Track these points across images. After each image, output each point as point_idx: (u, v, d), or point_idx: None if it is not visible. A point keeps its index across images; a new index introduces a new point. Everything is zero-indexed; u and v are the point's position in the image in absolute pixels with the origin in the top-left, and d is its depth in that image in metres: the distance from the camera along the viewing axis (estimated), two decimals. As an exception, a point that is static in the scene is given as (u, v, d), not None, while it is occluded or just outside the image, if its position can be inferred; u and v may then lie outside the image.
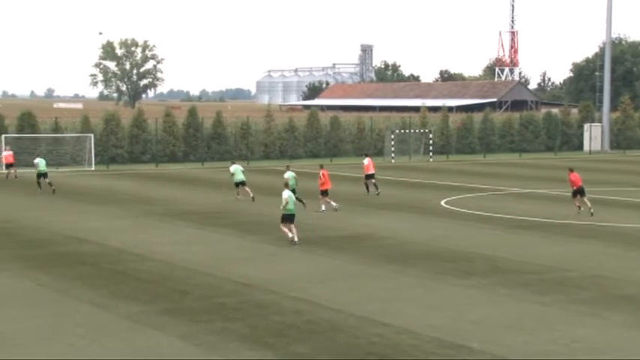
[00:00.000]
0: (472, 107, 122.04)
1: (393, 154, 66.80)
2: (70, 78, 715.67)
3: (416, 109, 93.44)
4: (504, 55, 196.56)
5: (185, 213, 34.53)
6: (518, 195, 41.91)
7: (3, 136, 57.46)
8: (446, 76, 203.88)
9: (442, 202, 38.24)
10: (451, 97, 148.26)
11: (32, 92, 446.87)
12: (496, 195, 41.41)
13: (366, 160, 42.06)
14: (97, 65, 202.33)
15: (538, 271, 22.73)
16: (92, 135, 59.87)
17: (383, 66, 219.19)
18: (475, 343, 15.93)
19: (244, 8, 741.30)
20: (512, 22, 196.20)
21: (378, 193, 40.28)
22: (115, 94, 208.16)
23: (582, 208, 33.81)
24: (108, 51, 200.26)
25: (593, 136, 78.30)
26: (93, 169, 57.60)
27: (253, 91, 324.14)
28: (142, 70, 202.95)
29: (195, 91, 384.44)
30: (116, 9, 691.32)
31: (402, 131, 70.16)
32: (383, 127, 73.10)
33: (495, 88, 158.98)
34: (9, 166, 50.18)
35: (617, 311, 18.47)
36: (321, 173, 35.60)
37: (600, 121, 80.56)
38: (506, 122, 78.54)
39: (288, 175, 34.51)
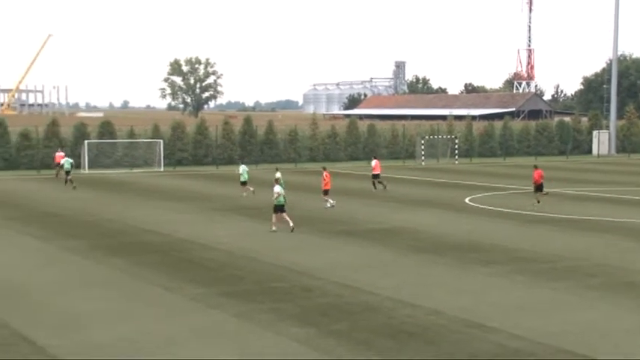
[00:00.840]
0: (493, 116, 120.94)
1: (423, 157, 66.43)
2: (143, 91, 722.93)
3: (443, 117, 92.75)
4: (522, 70, 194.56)
5: (242, 208, 34.68)
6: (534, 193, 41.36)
7: (86, 141, 58.14)
8: (470, 89, 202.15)
9: (467, 200, 37.95)
10: (474, 106, 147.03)
11: (110, 103, 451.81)
12: (514, 193, 40.98)
13: (374, 162, 42.95)
14: (166, 80, 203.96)
15: (551, 261, 22.47)
16: (161, 140, 60.36)
17: (414, 80, 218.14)
18: (495, 323, 15.80)
19: (293, 29, 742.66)
20: (529, 41, 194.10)
21: (384, 187, 41.11)
22: (181, 105, 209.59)
23: (540, 202, 34.41)
24: (175, 68, 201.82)
25: (601, 142, 77.30)
26: (162, 170, 58.05)
27: (300, 102, 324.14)
28: (204, 84, 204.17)
29: (250, 102, 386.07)
30: (183, 30, 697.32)
31: (431, 137, 69.74)
32: (414, 134, 72.69)
33: (514, 99, 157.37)
34: (58, 165, 51.13)
35: (625, 297, 18.20)
36: (324, 174, 35.17)
37: (608, 128, 79.57)
38: (524, 129, 77.76)
39: (278, 175, 34.43)
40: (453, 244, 25.35)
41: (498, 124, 78.09)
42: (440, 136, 70.48)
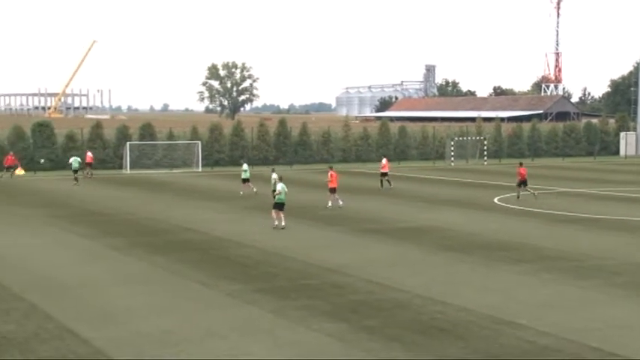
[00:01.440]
0: (521, 118, 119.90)
1: (452, 158, 66.06)
2: (182, 94, 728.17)
3: (472, 119, 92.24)
4: (550, 73, 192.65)
5: (276, 207, 34.69)
6: (561, 193, 41.00)
7: (128, 143, 58.80)
8: (498, 91, 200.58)
9: (495, 200, 37.67)
10: (503, 109, 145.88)
11: (151, 106, 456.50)
12: (542, 193, 40.58)
13: (384, 161, 43.75)
14: (204, 84, 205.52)
15: (578, 259, 22.23)
16: (199, 142, 60.83)
17: (444, 83, 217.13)
18: (524, 320, 15.69)
19: (327, 33, 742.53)
20: (557, 44, 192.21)
21: (390, 186, 42.04)
22: (219, 108, 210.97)
23: (519, 198, 36.31)
24: (213, 72, 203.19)
25: (629, 143, 76.32)
26: (200, 170, 58.48)
27: (333, 104, 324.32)
28: (240, 87, 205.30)
29: (284, 105, 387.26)
30: (221, 35, 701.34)
31: (461, 138, 69.34)
32: (444, 135, 72.35)
33: (542, 102, 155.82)
34: (88, 165, 52.38)
35: (649, 295, 17.94)
36: (329, 174, 34.80)
37: (634, 129, 78.49)
38: (552, 131, 76.96)
39: (275, 176, 34.54)
40: (481, 242, 25.18)
41: (527, 126, 77.41)
42: (469, 138, 70.03)
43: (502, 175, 52.60)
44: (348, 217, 31.13)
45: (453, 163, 65.11)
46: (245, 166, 41.25)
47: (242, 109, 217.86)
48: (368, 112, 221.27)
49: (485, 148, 68.24)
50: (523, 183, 37.08)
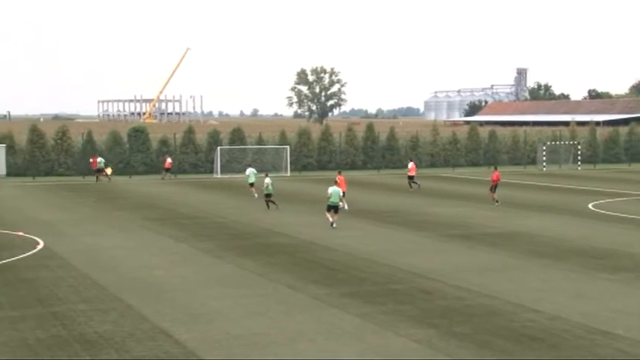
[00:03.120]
0: (618, 122, 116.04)
1: (544, 163, 64.55)
2: (271, 99, 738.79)
3: (565, 123, 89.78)
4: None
5: (363, 212, 34.77)
6: (660, 200, 39.44)
7: (218, 147, 59.99)
8: (593, 95, 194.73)
9: (590, 205, 36.57)
10: (598, 113, 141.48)
11: (241, 111, 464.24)
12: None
13: (410, 164, 45.77)
14: (293, 89, 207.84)
15: (679, 269, 21.30)
16: (288, 147, 61.45)
17: (536, 86, 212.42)
18: (620, 330, 15.15)
19: (415, 37, 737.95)
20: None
21: (418, 186, 44.28)
22: (307, 113, 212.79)
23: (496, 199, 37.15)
24: (301, 77, 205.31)
25: None
26: (288, 175, 59.07)
27: (421, 109, 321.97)
28: (329, 92, 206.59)
29: (372, 110, 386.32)
30: (309, 40, 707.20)
31: (553, 143, 67.68)
32: (535, 140, 70.83)
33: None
34: (167, 170, 54.15)
35: None
36: (337, 178, 34.43)
37: None
38: (650, 135, 74.13)
39: (268, 180, 35.79)
40: (575, 249, 24.48)
41: (624, 130, 74.84)
42: (562, 142, 68.27)
43: (597, 181, 51.05)
44: (435, 223, 30.83)
45: (544, 169, 63.61)
46: (249, 171, 42.43)
47: (330, 113, 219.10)
48: (457, 117, 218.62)
49: (579, 152, 66.38)
50: (494, 187, 37.79)
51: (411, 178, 45.17)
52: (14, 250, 24.74)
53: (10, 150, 57.58)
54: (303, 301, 17.91)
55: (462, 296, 18.17)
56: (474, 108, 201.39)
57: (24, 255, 23.89)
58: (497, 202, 36.94)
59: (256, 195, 40.50)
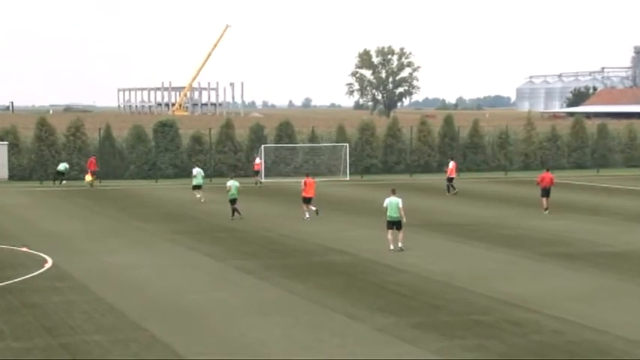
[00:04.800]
0: None
1: (667, 165, 63.40)
2: (327, 87, 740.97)
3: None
4: None
5: (439, 224, 34.66)
6: None
7: (262, 146, 60.16)
8: None
9: None
10: None
11: (290, 102, 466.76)
12: None
13: (451, 164, 46.80)
14: (354, 74, 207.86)
15: None
16: (347, 145, 61.35)
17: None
18: None
19: (503, 12, 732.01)
20: None
21: (455, 193, 45.57)
22: (370, 103, 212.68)
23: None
24: (365, 59, 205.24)
25: None
26: (347, 179, 59.01)
27: (513, 98, 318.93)
28: (397, 78, 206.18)
29: (451, 99, 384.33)
30: (373, 17, 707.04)
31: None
32: (658, 136, 69.59)
33: None
34: (257, 173, 54.58)
35: None
36: (303, 181, 36.58)
37: None
38: None
39: (230, 183, 36.45)
40: None
41: None
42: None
43: None
44: (530, 238, 30.58)
45: (668, 172, 62.41)
46: (195, 171, 43.82)
47: (399, 104, 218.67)
48: (557, 107, 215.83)
49: None
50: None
51: (450, 180, 45.74)
52: (18, 269, 25.38)
53: (14, 148, 58.07)
54: (364, 332, 17.97)
55: (562, 330, 18.02)
56: (579, 96, 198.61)
57: (30, 275, 24.48)
58: (546, 209, 37.18)
59: (203, 200, 42.70)
